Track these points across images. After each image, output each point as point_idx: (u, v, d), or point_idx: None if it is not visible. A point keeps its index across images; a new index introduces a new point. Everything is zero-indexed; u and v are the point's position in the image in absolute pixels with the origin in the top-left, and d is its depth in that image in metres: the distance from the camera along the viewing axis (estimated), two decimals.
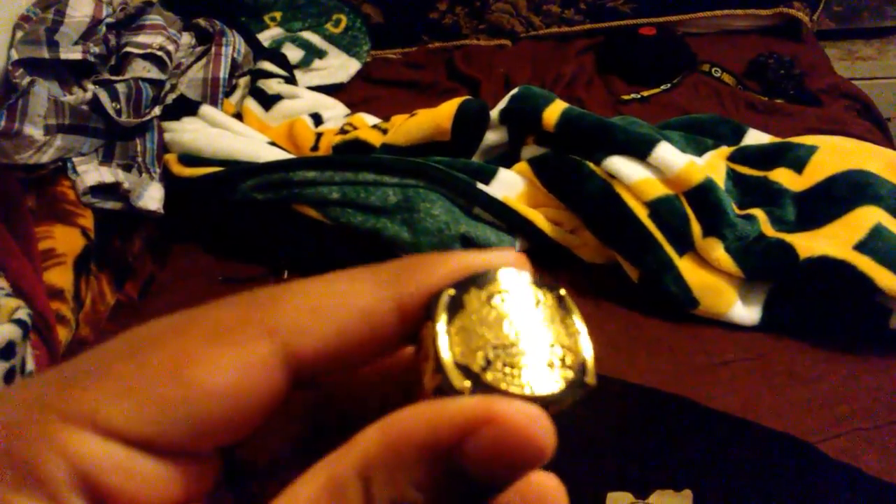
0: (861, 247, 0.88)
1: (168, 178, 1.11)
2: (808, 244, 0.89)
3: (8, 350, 0.74)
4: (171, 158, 1.12)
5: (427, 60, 1.57)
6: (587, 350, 0.19)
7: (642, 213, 0.94)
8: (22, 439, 0.16)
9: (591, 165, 0.97)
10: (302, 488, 0.17)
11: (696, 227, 0.94)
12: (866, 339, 0.90)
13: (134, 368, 0.17)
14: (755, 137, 1.13)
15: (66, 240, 0.99)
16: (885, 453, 0.80)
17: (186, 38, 1.25)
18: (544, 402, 0.17)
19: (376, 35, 1.58)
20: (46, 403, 0.17)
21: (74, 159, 1.04)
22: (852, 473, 0.76)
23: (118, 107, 1.08)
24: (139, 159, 1.09)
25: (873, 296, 0.87)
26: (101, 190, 1.03)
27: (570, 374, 0.18)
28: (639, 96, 1.38)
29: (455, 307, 0.18)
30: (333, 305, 0.18)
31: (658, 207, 0.94)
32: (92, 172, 1.03)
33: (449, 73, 1.53)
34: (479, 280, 0.19)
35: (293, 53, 1.47)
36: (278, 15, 1.55)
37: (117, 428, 0.16)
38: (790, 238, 0.91)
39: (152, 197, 1.05)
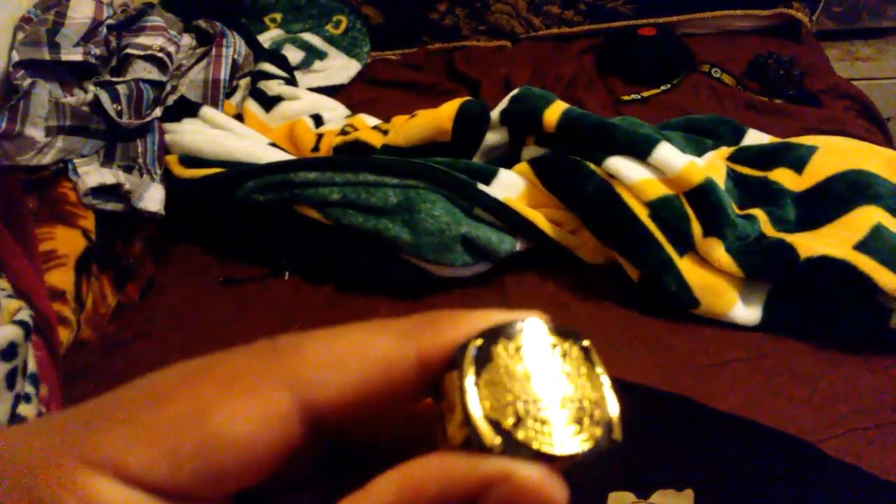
0: (861, 247, 0.88)
1: (169, 180, 1.11)
2: (809, 244, 0.89)
3: (10, 351, 0.74)
4: (171, 160, 1.13)
5: (427, 61, 1.57)
6: (613, 405, 0.19)
7: (643, 214, 0.95)
8: (43, 482, 0.16)
9: (592, 166, 0.97)
10: None
11: (696, 227, 0.94)
12: (866, 339, 0.90)
13: (155, 416, 0.17)
14: (755, 138, 1.13)
15: (67, 241, 0.99)
16: (886, 452, 0.80)
17: (187, 40, 1.25)
18: (574, 462, 0.18)
19: (376, 36, 1.58)
20: (68, 446, 0.17)
21: (75, 161, 1.04)
22: (853, 473, 0.77)
23: (119, 108, 1.08)
24: (140, 160, 1.09)
25: (874, 296, 0.87)
26: (102, 191, 1.03)
27: (598, 431, 0.18)
28: (639, 97, 1.39)
29: (482, 359, 0.18)
30: (354, 356, 0.18)
31: (658, 207, 0.94)
32: (93, 174, 1.03)
33: (449, 74, 1.53)
34: (505, 331, 0.19)
35: (293, 55, 1.47)
36: (278, 16, 1.55)
37: (137, 475, 0.17)
38: (790, 238, 0.91)
39: (153, 198, 1.05)
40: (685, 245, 0.95)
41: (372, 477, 0.19)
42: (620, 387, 0.67)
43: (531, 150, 1.05)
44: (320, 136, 1.17)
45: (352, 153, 1.11)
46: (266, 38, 1.49)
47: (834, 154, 1.00)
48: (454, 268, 0.99)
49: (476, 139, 1.06)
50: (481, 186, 1.00)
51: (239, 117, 1.24)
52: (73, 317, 0.96)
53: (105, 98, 1.06)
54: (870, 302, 0.88)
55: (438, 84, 1.48)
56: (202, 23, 1.29)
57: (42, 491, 0.16)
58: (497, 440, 0.17)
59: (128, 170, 1.08)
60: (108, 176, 1.03)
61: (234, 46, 1.24)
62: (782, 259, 0.90)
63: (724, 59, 1.47)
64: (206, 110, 1.18)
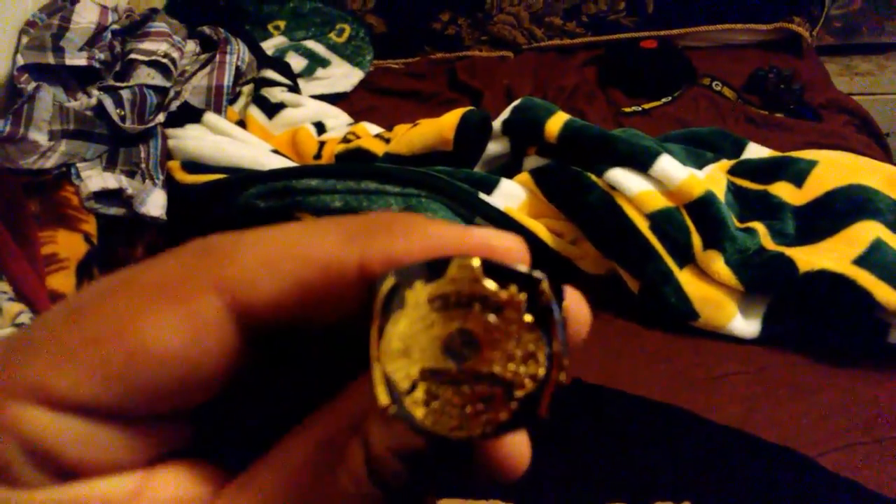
0: (861, 261, 0.88)
1: (171, 185, 1.11)
2: (808, 258, 0.90)
3: None
4: (174, 165, 1.13)
5: (429, 71, 1.58)
6: (543, 373, 0.16)
7: (643, 225, 0.95)
8: None
9: (593, 177, 0.98)
10: (292, 450, 0.17)
11: (696, 240, 0.94)
12: (865, 353, 0.90)
13: (76, 333, 0.16)
14: (755, 151, 1.14)
15: (68, 245, 0.99)
16: (884, 467, 0.80)
17: (191, 46, 1.26)
18: (467, 444, 0.16)
19: (379, 45, 1.59)
20: None
21: (78, 165, 1.04)
22: (852, 487, 0.77)
23: (122, 113, 1.08)
24: (143, 165, 1.10)
25: (872, 310, 0.88)
26: (104, 195, 1.04)
27: (513, 408, 0.16)
28: (640, 109, 1.39)
29: (394, 302, 0.16)
30: (290, 257, 0.17)
31: (659, 219, 0.95)
32: (95, 178, 1.03)
33: (451, 83, 1.53)
34: (427, 271, 0.16)
35: (296, 62, 1.47)
36: (282, 24, 1.56)
37: (65, 398, 0.16)
38: (790, 252, 0.92)
39: (155, 203, 1.06)
40: (685, 257, 0.95)
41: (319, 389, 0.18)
42: (619, 398, 0.66)
43: (533, 161, 1.06)
44: (322, 144, 1.18)
45: (354, 161, 1.11)
46: (269, 46, 1.50)
47: (834, 168, 1.00)
48: None
49: (478, 149, 1.07)
50: (483, 196, 1.00)
51: (242, 124, 1.25)
52: None
53: (109, 103, 1.06)
54: (868, 316, 0.89)
55: (440, 93, 1.49)
56: (206, 29, 1.29)
57: None
58: (390, 406, 0.15)
59: (130, 175, 1.08)
60: (111, 180, 1.03)
61: (238, 53, 1.25)
62: (782, 272, 0.90)
63: (724, 73, 1.48)
64: (209, 116, 1.19)
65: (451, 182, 1.00)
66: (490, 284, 0.16)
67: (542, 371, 0.16)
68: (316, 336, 0.19)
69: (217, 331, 0.16)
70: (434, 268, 0.16)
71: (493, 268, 0.16)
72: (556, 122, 1.01)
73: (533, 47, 1.59)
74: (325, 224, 0.17)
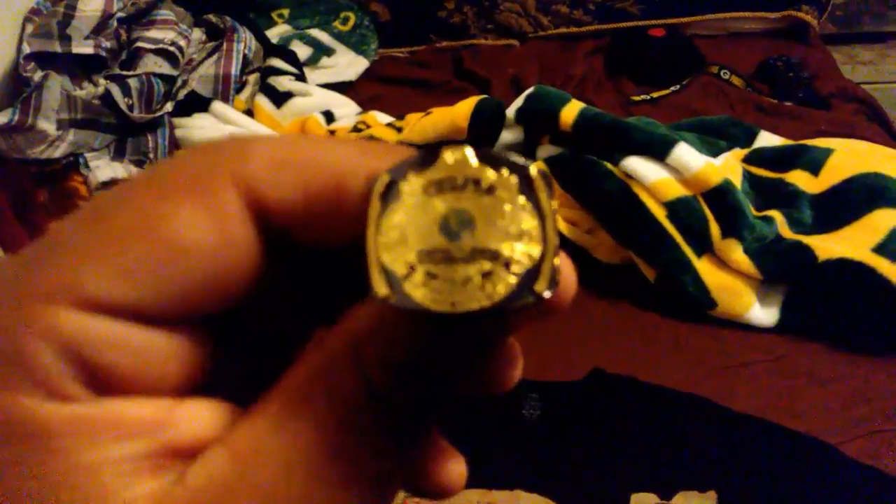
0: (880, 249, 0.88)
1: None
2: (827, 246, 0.89)
3: None
4: None
5: (435, 59, 1.56)
6: (542, 249, 0.16)
7: (660, 214, 0.94)
8: (3, 328, 0.15)
9: (609, 165, 0.97)
10: (298, 369, 0.17)
11: (714, 229, 0.94)
12: (884, 341, 0.90)
13: (103, 232, 0.16)
14: (766, 140, 1.13)
15: None
16: None
17: (197, 34, 1.24)
18: (474, 320, 0.15)
19: (384, 33, 1.57)
20: (21, 285, 0.15)
21: (87, 154, 1.03)
22: (875, 475, 0.77)
23: (130, 102, 1.07)
24: (151, 155, 1.08)
25: (891, 297, 0.87)
26: (113, 185, 1.02)
27: (512, 282, 0.15)
28: (648, 97, 1.39)
29: (390, 196, 0.16)
30: (304, 160, 0.17)
31: (676, 208, 0.94)
32: (104, 168, 1.02)
33: (457, 72, 1.52)
34: (420, 162, 0.16)
35: (301, 51, 1.46)
36: (286, 12, 1.54)
37: (99, 298, 0.15)
38: (808, 240, 0.91)
39: None
40: (703, 246, 0.95)
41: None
42: (640, 388, 0.66)
43: (546, 149, 1.05)
44: (332, 133, 1.17)
45: None
46: (273, 34, 1.48)
47: (850, 157, 1.00)
48: None
49: (492, 138, 1.06)
50: None
51: (249, 113, 1.23)
52: None
53: (116, 92, 1.05)
54: (887, 304, 0.88)
55: (447, 82, 1.47)
56: (212, 17, 1.28)
57: (5, 337, 0.15)
58: (385, 291, 0.15)
59: (139, 164, 1.07)
60: (120, 170, 1.02)
61: (245, 41, 1.23)
62: (800, 261, 0.90)
63: (732, 61, 1.47)
64: (217, 105, 1.17)
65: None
66: (482, 167, 0.16)
67: (538, 248, 0.16)
68: (327, 256, 0.19)
69: (239, 224, 0.17)
70: (426, 158, 0.16)
71: (484, 154, 0.16)
72: (572, 111, 1.00)
73: (539, 35, 1.58)
74: (339, 139, 0.18)
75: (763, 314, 0.93)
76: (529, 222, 0.16)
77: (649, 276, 0.96)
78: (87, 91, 1.07)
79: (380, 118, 1.18)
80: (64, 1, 1.12)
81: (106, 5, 1.14)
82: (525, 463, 0.79)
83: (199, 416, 0.17)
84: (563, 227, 0.99)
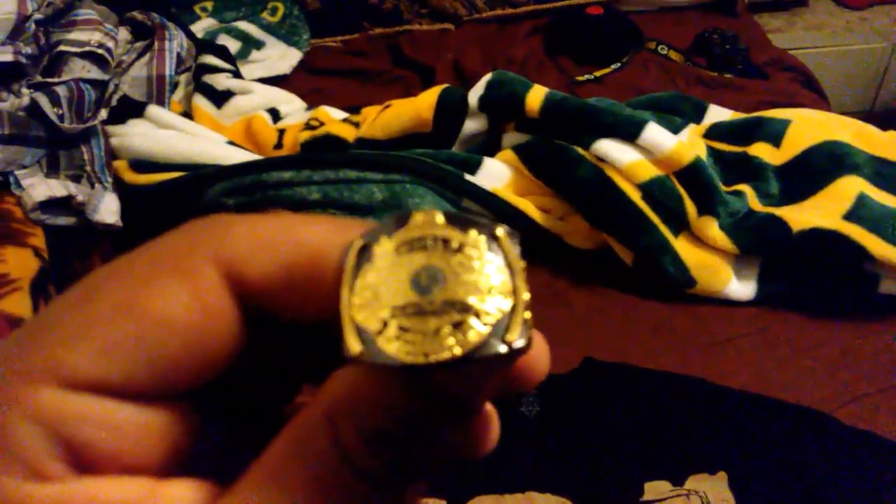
0: (850, 216, 0.90)
1: (120, 187, 1.02)
2: (799, 217, 0.91)
3: None
4: (121, 165, 1.03)
5: (370, 48, 1.51)
6: (511, 302, 0.16)
7: (635, 196, 0.94)
8: None
9: (580, 150, 0.95)
10: (277, 443, 0.17)
11: (690, 207, 0.94)
12: (857, 306, 0.92)
13: (86, 312, 0.16)
14: (717, 113, 1.15)
15: (18, 263, 0.89)
16: (892, 416, 0.82)
17: (123, 34, 1.15)
18: (448, 370, 0.16)
19: (315, 23, 1.51)
20: (6, 366, 0.16)
21: (17, 172, 0.94)
22: (872, 439, 0.78)
23: (60, 112, 0.98)
24: (87, 168, 1.00)
25: (862, 263, 0.90)
26: (51, 205, 0.94)
27: (483, 332, 0.16)
28: (592, 77, 1.38)
29: (364, 259, 0.17)
30: (283, 240, 0.18)
31: (651, 189, 0.93)
32: (39, 186, 0.93)
33: (394, 59, 1.47)
34: (390, 226, 0.17)
35: (229, 45, 1.37)
36: (209, 4, 1.45)
37: (81, 376, 0.16)
38: (780, 212, 0.93)
39: (109, 209, 0.96)
40: (679, 225, 0.95)
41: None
42: (634, 373, 0.65)
43: (512, 137, 1.02)
44: (282, 132, 1.11)
45: (323, 149, 1.05)
46: (198, 29, 1.40)
47: (807, 126, 1.02)
48: None
49: (456, 128, 1.03)
50: (468, 177, 0.97)
51: (187, 115, 1.16)
52: None
53: (45, 102, 0.96)
54: (857, 269, 0.91)
55: (387, 71, 1.43)
56: (137, 14, 1.19)
57: None
58: (358, 348, 0.16)
59: (76, 179, 0.98)
60: (58, 188, 0.93)
61: (178, 39, 1.15)
62: (775, 233, 0.91)
63: (668, 36, 1.48)
64: (153, 109, 1.09)
65: (436, 165, 0.95)
66: (450, 228, 0.17)
67: (508, 301, 0.16)
68: (304, 329, 0.19)
69: (219, 300, 0.17)
70: (398, 221, 0.17)
71: (452, 217, 0.17)
72: (537, 96, 0.98)
73: (475, 18, 1.55)
74: (316, 216, 0.18)
75: (741, 288, 0.94)
76: (498, 277, 0.16)
77: (626, 260, 0.96)
78: (9, 103, 0.97)
79: (333, 114, 1.13)
80: None
81: (20, 7, 1.03)
82: (533, 463, 0.77)
83: (179, 498, 0.17)
84: (535, 214, 0.97)
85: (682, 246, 0.94)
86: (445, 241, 0.17)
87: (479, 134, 1.04)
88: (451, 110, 1.01)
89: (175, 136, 1.07)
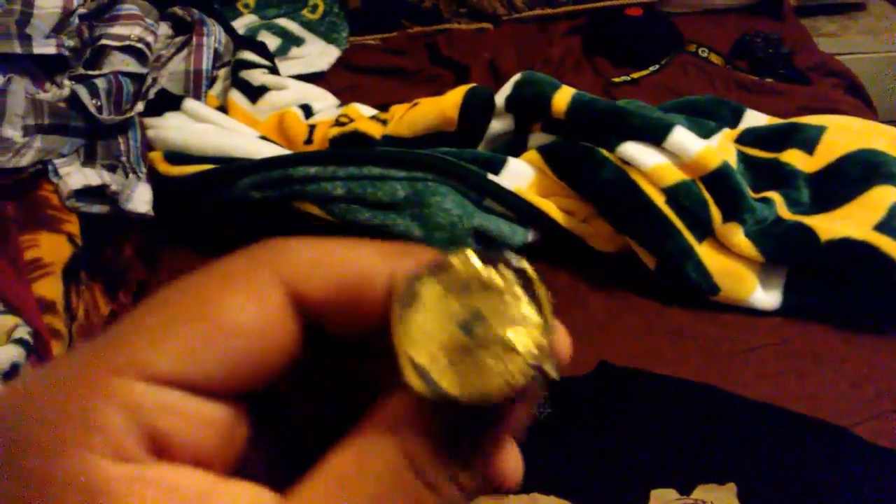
0: (881, 227, 0.87)
1: (154, 178, 1.05)
2: (828, 226, 0.89)
3: (13, 373, 0.68)
4: (156, 156, 1.06)
5: (408, 46, 1.52)
6: (545, 335, 0.19)
7: (659, 200, 0.92)
8: (79, 396, 0.17)
9: (605, 152, 0.95)
10: (344, 453, 0.19)
11: (715, 213, 0.92)
12: (888, 320, 0.90)
13: (168, 316, 0.19)
14: (753, 118, 1.12)
15: (52, 248, 0.92)
16: None
17: (164, 29, 1.18)
18: (494, 400, 0.18)
19: (354, 20, 1.52)
20: (96, 362, 0.18)
21: (56, 161, 0.97)
22: (888, 456, 0.76)
23: (99, 104, 1.01)
24: (123, 159, 1.03)
25: (892, 276, 0.87)
26: (86, 193, 0.97)
27: (525, 364, 0.18)
28: (629, 78, 1.36)
29: (410, 299, 0.19)
30: (336, 262, 0.20)
31: (676, 193, 0.92)
32: (76, 175, 0.96)
33: (431, 58, 1.48)
34: (433, 268, 0.19)
35: (269, 41, 1.40)
36: (251, 1, 1.48)
37: (161, 371, 0.18)
38: (809, 220, 0.91)
39: (141, 199, 0.99)
40: (704, 231, 0.93)
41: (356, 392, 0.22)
42: (650, 379, 0.65)
43: (538, 138, 1.02)
44: (313, 128, 1.12)
45: (350, 145, 1.06)
46: (239, 25, 1.43)
47: (843, 133, 0.99)
48: None
49: (482, 127, 1.03)
50: (491, 177, 0.97)
51: (222, 109, 1.18)
52: (65, 329, 0.89)
53: (84, 93, 0.99)
54: (888, 282, 0.88)
55: (423, 70, 1.43)
56: (178, 10, 1.22)
57: (78, 404, 0.17)
58: (420, 385, 0.18)
59: (111, 169, 1.01)
60: (93, 177, 0.97)
61: (216, 35, 1.18)
62: (803, 242, 0.89)
63: (709, 39, 1.46)
64: (190, 103, 1.12)
65: (458, 164, 0.96)
66: (486, 269, 0.19)
67: (539, 331, 0.19)
68: (353, 346, 0.22)
69: (280, 312, 0.19)
70: (439, 265, 0.19)
71: (484, 256, 0.19)
72: (564, 97, 0.98)
73: (513, 18, 1.54)
74: (365, 242, 0.21)
75: (766, 297, 0.92)
76: (532, 312, 0.19)
77: (649, 264, 0.95)
78: (51, 94, 1.00)
79: (363, 111, 1.14)
80: None
81: (66, 2, 1.07)
82: (539, 464, 0.77)
83: (239, 495, 0.19)
84: (558, 216, 0.97)
85: (705, 252, 0.92)
86: (481, 280, 0.19)
87: (505, 134, 1.04)
88: (476, 110, 1.01)
89: (209, 129, 1.09)
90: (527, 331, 0.19)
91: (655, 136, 0.93)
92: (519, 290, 0.19)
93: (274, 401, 0.22)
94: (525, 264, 0.19)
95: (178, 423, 0.18)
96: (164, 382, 0.18)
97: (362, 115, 1.12)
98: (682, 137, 0.92)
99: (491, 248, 0.20)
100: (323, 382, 0.24)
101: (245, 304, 0.19)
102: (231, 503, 0.19)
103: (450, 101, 1.01)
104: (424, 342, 0.18)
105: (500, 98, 1.03)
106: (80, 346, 0.19)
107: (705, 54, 1.42)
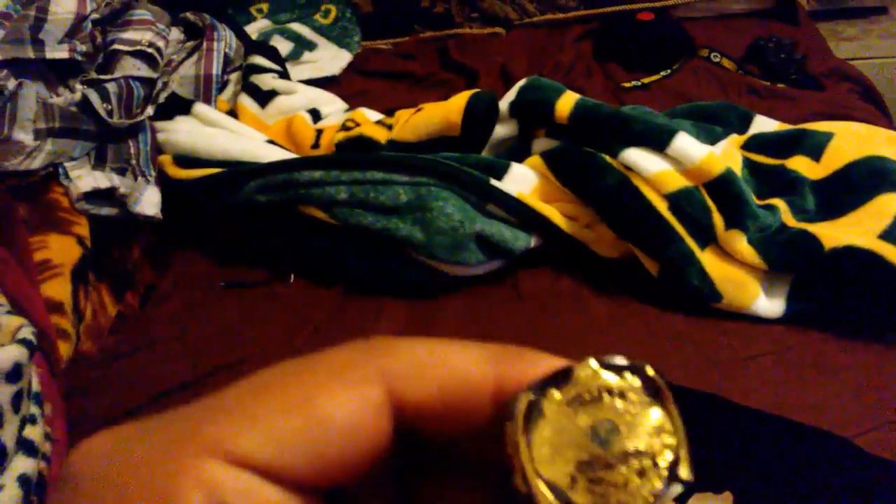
0: (886, 235, 0.86)
1: (163, 181, 1.06)
2: (832, 234, 0.88)
3: (15, 373, 0.70)
4: (165, 160, 1.08)
5: (419, 50, 1.53)
6: (678, 442, 0.18)
7: (662, 206, 0.92)
8: (163, 473, 0.17)
9: (608, 158, 0.95)
10: None
11: (718, 219, 0.92)
12: (891, 329, 0.89)
13: (263, 402, 0.18)
14: (762, 124, 1.12)
15: (61, 249, 0.94)
16: None
17: (175, 34, 1.20)
18: None
19: (366, 25, 1.54)
20: (183, 438, 0.18)
21: (66, 164, 0.99)
22: (888, 468, 0.75)
23: (109, 107, 1.03)
24: (133, 162, 1.05)
25: None
26: (95, 196, 0.99)
27: (664, 475, 0.17)
28: (639, 83, 1.36)
29: (535, 413, 0.18)
30: (439, 364, 0.19)
31: (678, 200, 0.92)
32: (86, 178, 0.98)
33: (442, 63, 1.49)
34: (557, 380, 0.18)
35: (282, 46, 1.42)
36: (265, 6, 1.50)
37: (249, 459, 0.17)
38: (813, 228, 0.90)
39: (150, 201, 1.01)
40: (706, 238, 0.93)
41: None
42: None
43: (542, 143, 1.02)
44: (320, 132, 1.13)
45: (356, 149, 1.07)
46: (253, 30, 1.44)
47: (850, 141, 0.98)
48: (468, 266, 0.96)
49: (486, 133, 1.03)
50: (494, 182, 0.97)
51: (232, 113, 1.20)
52: (73, 329, 0.91)
53: (95, 97, 1.01)
54: (893, 291, 0.87)
55: (433, 74, 1.44)
56: (190, 15, 1.24)
57: (163, 480, 0.17)
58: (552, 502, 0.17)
59: (121, 172, 1.03)
60: (102, 179, 0.98)
61: (226, 40, 1.19)
62: (806, 250, 0.88)
63: (722, 44, 1.45)
64: (200, 107, 1.14)
65: (461, 169, 0.96)
66: (610, 377, 0.18)
67: (673, 439, 0.18)
68: (446, 449, 0.21)
69: (380, 414, 0.19)
70: (561, 376, 0.18)
71: (606, 363, 0.18)
72: (567, 102, 0.98)
73: (525, 23, 1.55)
74: (469, 344, 0.20)
75: (769, 305, 0.91)
76: (661, 418, 0.18)
77: (652, 270, 0.94)
78: (63, 98, 1.02)
79: (369, 115, 1.15)
80: (35, 3, 1.08)
81: (79, 7, 1.09)
82: None
83: None
84: (561, 221, 0.97)
85: (708, 259, 0.92)
86: (610, 391, 0.18)
87: (509, 139, 1.05)
88: (479, 115, 1.02)
89: (218, 133, 1.11)
90: (660, 439, 0.18)
91: (658, 142, 0.93)
92: (646, 397, 0.18)
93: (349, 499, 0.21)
94: (651, 371, 0.19)
95: None
96: (248, 467, 0.18)
97: (368, 119, 1.13)
98: (684, 144, 0.92)
99: (613, 356, 0.19)
100: (402, 485, 0.23)
101: (345, 401, 0.19)
102: None
103: (453, 106, 1.02)
104: (557, 461, 0.17)
105: (505, 103, 1.03)
106: (168, 415, 0.19)
107: (717, 59, 1.41)
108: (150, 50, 1.09)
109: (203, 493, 0.17)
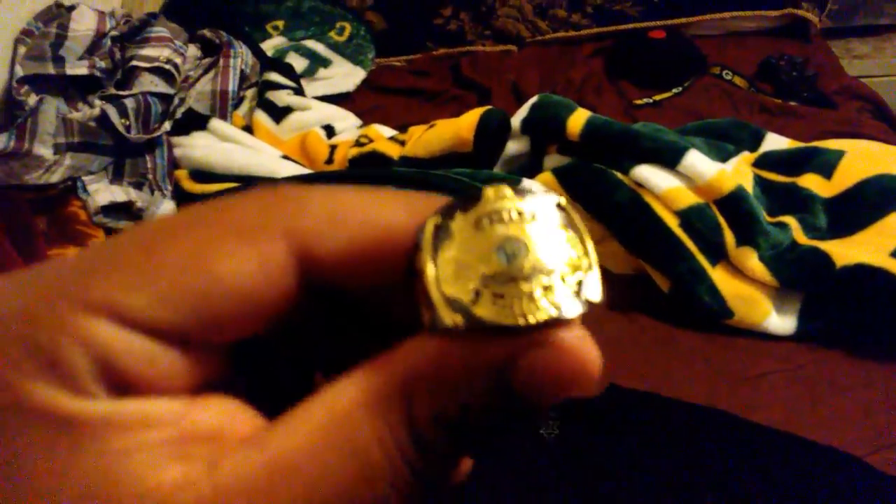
0: None
1: (179, 196, 1.08)
2: (844, 252, 0.88)
3: None
4: (181, 174, 1.09)
5: (433, 67, 1.54)
6: (587, 263, 0.18)
7: (673, 223, 0.93)
8: (41, 327, 0.16)
9: (619, 174, 0.95)
10: (343, 394, 0.17)
11: (729, 237, 0.92)
12: None
13: (152, 259, 0.17)
14: (774, 142, 1.12)
15: None
16: None
17: (192, 50, 1.22)
18: (538, 329, 0.17)
19: (380, 42, 1.56)
20: (64, 291, 0.17)
21: (84, 178, 1.01)
22: None
23: (127, 123, 1.05)
24: (150, 176, 1.06)
25: None
26: (112, 209, 1.00)
27: (570, 293, 0.17)
28: (651, 101, 1.37)
29: (442, 236, 0.17)
30: (356, 216, 0.18)
31: (689, 217, 0.92)
32: (103, 191, 1.00)
33: (455, 80, 1.50)
34: (464, 203, 0.18)
35: (297, 63, 1.44)
36: (281, 24, 1.52)
37: (135, 317, 0.17)
38: (824, 246, 0.90)
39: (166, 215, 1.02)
40: (717, 255, 0.93)
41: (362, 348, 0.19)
42: (660, 403, 0.65)
43: (553, 159, 1.03)
44: (334, 148, 1.15)
45: (369, 165, 1.08)
46: (269, 46, 1.46)
47: (862, 158, 0.98)
48: None
49: (498, 149, 1.04)
50: None
51: (248, 129, 1.21)
52: None
53: (113, 113, 1.03)
54: None
55: (446, 91, 1.45)
56: (207, 32, 1.26)
57: (39, 336, 0.16)
58: (457, 318, 0.16)
59: (138, 186, 1.05)
60: (119, 193, 1.00)
61: (242, 57, 1.21)
62: (818, 267, 0.88)
63: (734, 61, 1.45)
64: (216, 123, 1.15)
65: (472, 185, 0.97)
66: (522, 204, 0.18)
67: (585, 262, 0.18)
68: (359, 302, 0.20)
69: (282, 274, 0.18)
70: (470, 198, 0.18)
71: (520, 191, 0.18)
72: (578, 120, 0.99)
73: (537, 40, 1.56)
74: (390, 194, 0.19)
75: (780, 323, 0.91)
76: (572, 241, 0.18)
77: (663, 287, 0.95)
78: (82, 113, 1.04)
79: (382, 131, 1.16)
80: (56, 21, 1.10)
81: (99, 24, 1.11)
82: (547, 485, 0.77)
83: (217, 411, 0.18)
84: None
85: (719, 276, 0.92)
86: (520, 213, 0.18)
87: (521, 155, 1.05)
88: (491, 131, 1.02)
89: (234, 148, 1.12)
90: (570, 260, 0.17)
91: (670, 159, 0.93)
92: (559, 222, 0.18)
93: (257, 348, 0.20)
94: (560, 198, 0.18)
95: (145, 368, 0.17)
96: (136, 326, 0.17)
97: (381, 135, 1.14)
98: (695, 161, 0.92)
99: (524, 182, 0.19)
100: (314, 336, 0.22)
101: (244, 260, 0.17)
102: (210, 417, 0.18)
103: (465, 123, 1.03)
104: (461, 277, 0.17)
105: (517, 120, 1.04)
106: (49, 266, 0.18)
107: (729, 77, 1.42)
108: (167, 66, 1.11)
109: (86, 350, 0.16)
